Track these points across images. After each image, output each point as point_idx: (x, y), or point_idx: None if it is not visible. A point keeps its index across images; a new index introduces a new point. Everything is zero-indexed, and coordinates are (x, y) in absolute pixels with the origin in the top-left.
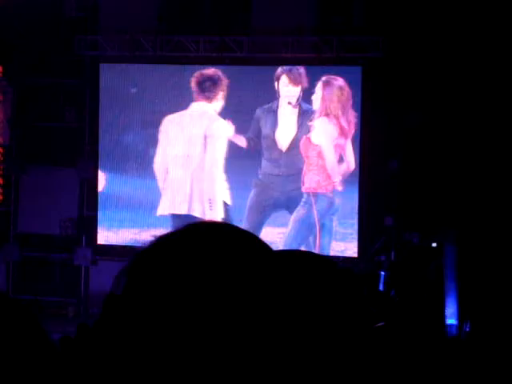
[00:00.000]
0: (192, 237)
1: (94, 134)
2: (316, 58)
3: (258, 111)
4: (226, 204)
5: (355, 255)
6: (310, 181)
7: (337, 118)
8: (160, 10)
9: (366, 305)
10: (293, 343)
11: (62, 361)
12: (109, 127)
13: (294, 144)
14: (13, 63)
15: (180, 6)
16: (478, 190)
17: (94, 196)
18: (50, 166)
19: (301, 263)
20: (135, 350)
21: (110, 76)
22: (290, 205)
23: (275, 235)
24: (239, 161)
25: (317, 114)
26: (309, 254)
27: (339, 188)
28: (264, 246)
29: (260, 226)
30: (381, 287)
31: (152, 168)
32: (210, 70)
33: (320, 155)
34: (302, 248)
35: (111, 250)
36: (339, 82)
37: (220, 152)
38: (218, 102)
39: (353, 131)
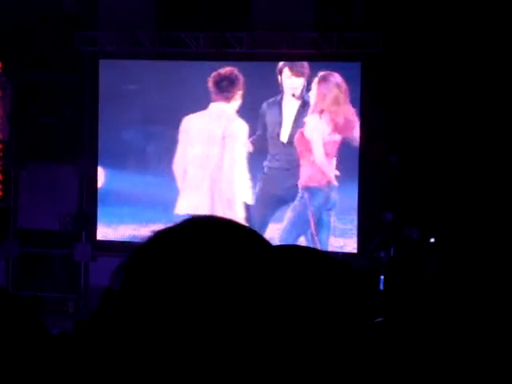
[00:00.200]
0: (190, 232)
1: (93, 129)
2: (316, 54)
3: (264, 106)
4: (246, 204)
5: (354, 251)
6: (304, 175)
7: (331, 114)
8: (159, 6)
9: (364, 300)
10: (291, 337)
11: (60, 355)
12: (108, 123)
13: (293, 137)
14: (12, 59)
15: (179, 1)
16: (478, 186)
17: (94, 192)
18: (49, 162)
19: (298, 258)
20: (132, 345)
21: (110, 72)
22: (289, 199)
23: (274, 231)
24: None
25: (310, 110)
26: (306, 249)
27: (335, 183)
28: (262, 241)
29: (266, 221)
30: (381, 287)
31: (151, 164)
32: (227, 70)
33: (311, 151)
34: (300, 243)
35: (111, 245)
36: (335, 78)
37: (239, 152)
38: (236, 102)
39: (351, 128)
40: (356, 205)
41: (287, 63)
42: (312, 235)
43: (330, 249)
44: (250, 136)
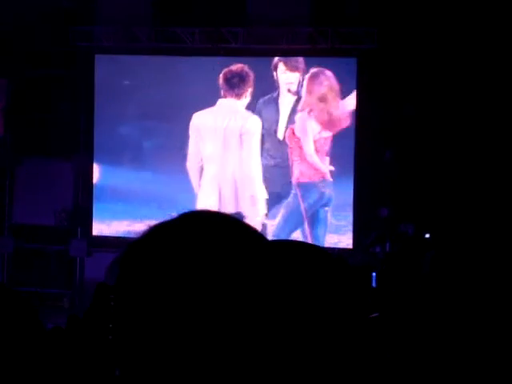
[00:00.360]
0: (185, 226)
1: (89, 125)
2: (311, 49)
3: (260, 103)
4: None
5: (350, 247)
6: (296, 171)
7: (320, 111)
8: (155, 1)
9: (360, 295)
10: (286, 332)
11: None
12: (104, 119)
13: (286, 134)
14: (7, 54)
15: None
16: (474, 181)
17: (90, 188)
18: (44, 158)
19: (293, 252)
20: (127, 339)
21: (106, 67)
22: (283, 196)
23: (268, 227)
24: None
25: (300, 107)
26: (301, 244)
27: (330, 178)
28: (257, 236)
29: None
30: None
31: (147, 160)
32: (238, 66)
33: (302, 147)
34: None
35: (106, 241)
36: (326, 75)
37: (256, 149)
38: (246, 99)
39: (343, 124)
40: (351, 201)
41: (282, 58)
42: (304, 231)
43: (326, 245)
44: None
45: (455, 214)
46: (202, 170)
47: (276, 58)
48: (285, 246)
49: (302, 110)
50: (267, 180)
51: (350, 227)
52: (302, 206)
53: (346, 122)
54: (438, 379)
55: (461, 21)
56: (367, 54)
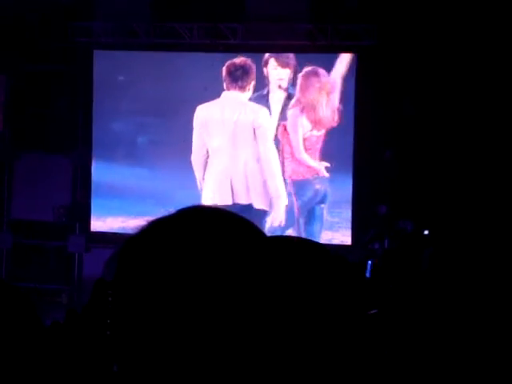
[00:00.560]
0: (183, 222)
1: (87, 121)
2: (310, 46)
3: (251, 99)
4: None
5: (347, 243)
6: (288, 169)
7: (313, 109)
8: None
9: (358, 292)
10: (285, 328)
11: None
12: (102, 114)
13: (278, 131)
14: (6, 50)
15: None
16: (472, 179)
17: (88, 184)
18: (43, 153)
19: (291, 248)
20: (125, 335)
21: (104, 63)
22: None
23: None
24: None
25: (291, 104)
26: (300, 239)
27: (325, 174)
28: (257, 231)
29: None
30: (368, 274)
31: (144, 157)
32: (241, 59)
33: (290, 144)
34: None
35: (105, 237)
36: (320, 72)
37: (271, 142)
38: (249, 92)
39: (334, 123)
40: (349, 197)
41: (273, 54)
42: (298, 229)
43: (322, 241)
44: None
45: (454, 211)
46: (206, 163)
47: (267, 54)
48: (284, 242)
49: (294, 106)
50: None
51: (346, 224)
52: (296, 204)
53: (335, 119)
54: (435, 375)
55: (462, 18)
56: (366, 51)
